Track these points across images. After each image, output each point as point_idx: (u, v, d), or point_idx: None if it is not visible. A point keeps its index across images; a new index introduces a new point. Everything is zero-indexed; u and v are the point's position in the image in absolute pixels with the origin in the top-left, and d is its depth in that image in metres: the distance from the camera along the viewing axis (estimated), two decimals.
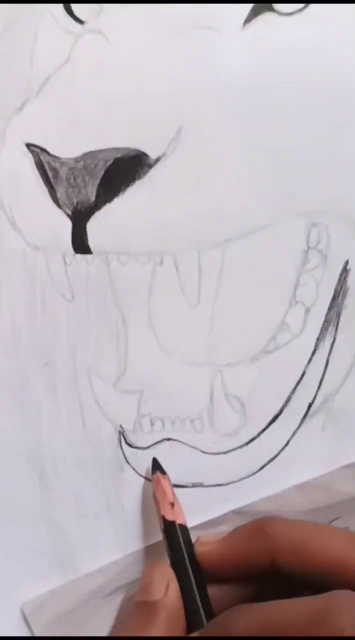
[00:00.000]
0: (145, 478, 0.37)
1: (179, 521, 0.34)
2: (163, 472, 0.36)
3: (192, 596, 0.32)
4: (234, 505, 0.37)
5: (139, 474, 0.37)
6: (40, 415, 0.37)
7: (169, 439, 0.37)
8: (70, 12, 0.36)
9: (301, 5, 0.35)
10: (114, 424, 0.37)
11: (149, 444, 0.37)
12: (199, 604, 0.32)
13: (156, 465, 0.36)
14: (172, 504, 0.34)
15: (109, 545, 0.37)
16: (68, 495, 0.37)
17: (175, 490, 0.36)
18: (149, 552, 0.37)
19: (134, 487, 0.37)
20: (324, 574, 0.29)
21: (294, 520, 0.33)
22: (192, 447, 0.37)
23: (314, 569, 0.29)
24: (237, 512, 0.37)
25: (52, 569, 0.37)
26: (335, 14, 0.35)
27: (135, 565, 0.37)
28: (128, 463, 0.37)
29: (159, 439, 0.37)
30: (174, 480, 0.36)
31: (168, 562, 0.34)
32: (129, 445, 0.37)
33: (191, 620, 0.32)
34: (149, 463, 0.36)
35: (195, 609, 0.32)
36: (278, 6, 0.35)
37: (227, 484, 0.37)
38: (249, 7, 0.35)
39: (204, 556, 0.33)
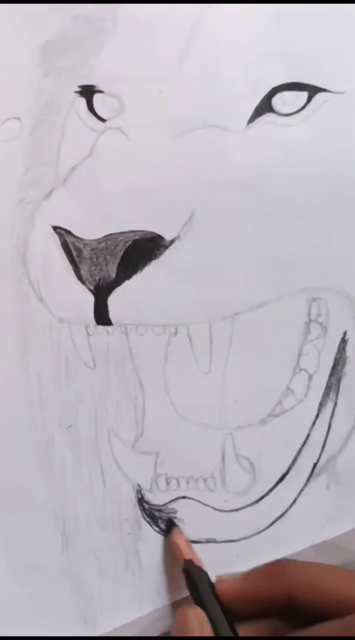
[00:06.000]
0: (162, 534, 0.39)
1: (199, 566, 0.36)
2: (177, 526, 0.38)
3: (226, 633, 0.34)
4: (245, 560, 0.38)
5: (157, 531, 0.39)
6: (64, 476, 0.39)
7: (184, 497, 0.39)
8: (93, 111, 0.40)
9: (299, 106, 0.40)
10: (132, 483, 0.39)
11: (165, 502, 0.39)
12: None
13: (171, 523, 0.38)
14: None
15: (129, 601, 0.39)
16: (89, 553, 0.39)
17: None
18: (174, 607, 0.38)
19: (151, 544, 0.39)
20: (338, 609, 0.31)
21: (308, 562, 0.35)
22: (206, 504, 0.39)
23: (328, 604, 0.31)
24: None
25: (75, 625, 0.38)
26: (329, 113, 0.39)
27: (161, 621, 0.39)
28: (146, 521, 0.39)
29: (174, 497, 0.39)
30: (189, 536, 0.38)
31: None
32: (147, 503, 0.39)
33: None
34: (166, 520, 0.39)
35: None
36: (278, 107, 0.39)
37: (239, 539, 0.39)
38: (252, 108, 0.39)
39: (224, 593, 0.35)
